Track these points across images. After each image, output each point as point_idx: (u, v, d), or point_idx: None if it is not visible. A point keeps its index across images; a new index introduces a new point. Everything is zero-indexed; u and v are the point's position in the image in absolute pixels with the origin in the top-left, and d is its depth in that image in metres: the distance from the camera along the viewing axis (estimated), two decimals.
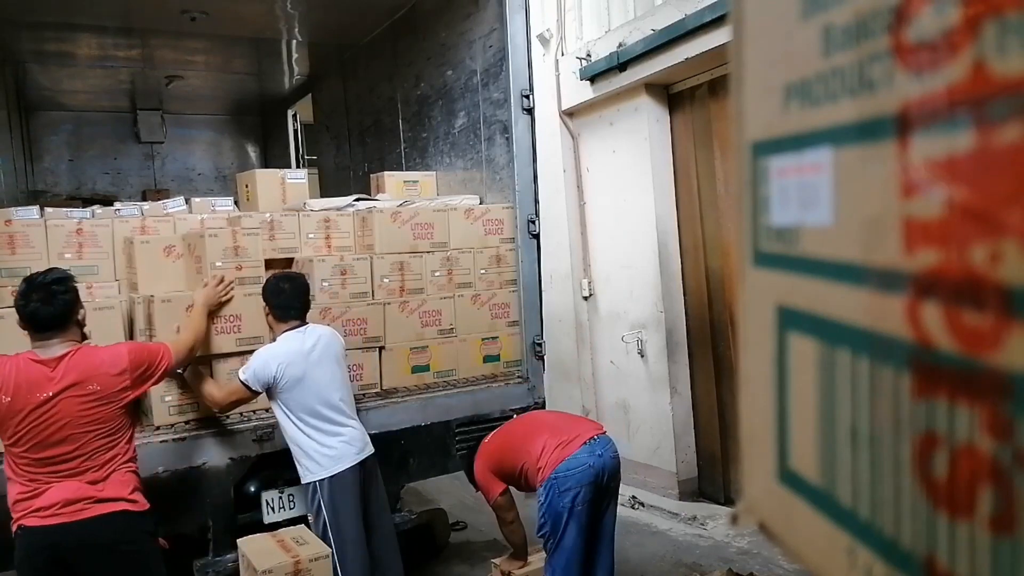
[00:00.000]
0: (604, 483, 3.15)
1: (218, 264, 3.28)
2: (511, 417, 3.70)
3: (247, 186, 4.44)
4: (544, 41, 5.66)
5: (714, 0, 4.19)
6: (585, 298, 5.72)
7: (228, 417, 3.33)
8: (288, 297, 3.20)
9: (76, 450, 2.48)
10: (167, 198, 4.32)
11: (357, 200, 4.24)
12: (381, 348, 3.78)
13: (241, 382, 3.07)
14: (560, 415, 3.73)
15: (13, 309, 2.56)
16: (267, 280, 3.30)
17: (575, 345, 5.72)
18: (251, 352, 3.20)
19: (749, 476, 0.60)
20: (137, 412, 2.77)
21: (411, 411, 3.71)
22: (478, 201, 4.29)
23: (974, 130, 0.36)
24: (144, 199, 6.68)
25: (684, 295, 5.20)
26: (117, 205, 3.89)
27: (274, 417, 3.20)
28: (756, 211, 0.56)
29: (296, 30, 5.70)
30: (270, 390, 3.10)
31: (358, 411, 3.45)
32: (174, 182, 8.07)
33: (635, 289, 5.29)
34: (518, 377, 4.08)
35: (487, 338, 4.07)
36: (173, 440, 3.18)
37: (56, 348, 2.51)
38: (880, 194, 0.42)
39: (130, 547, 2.56)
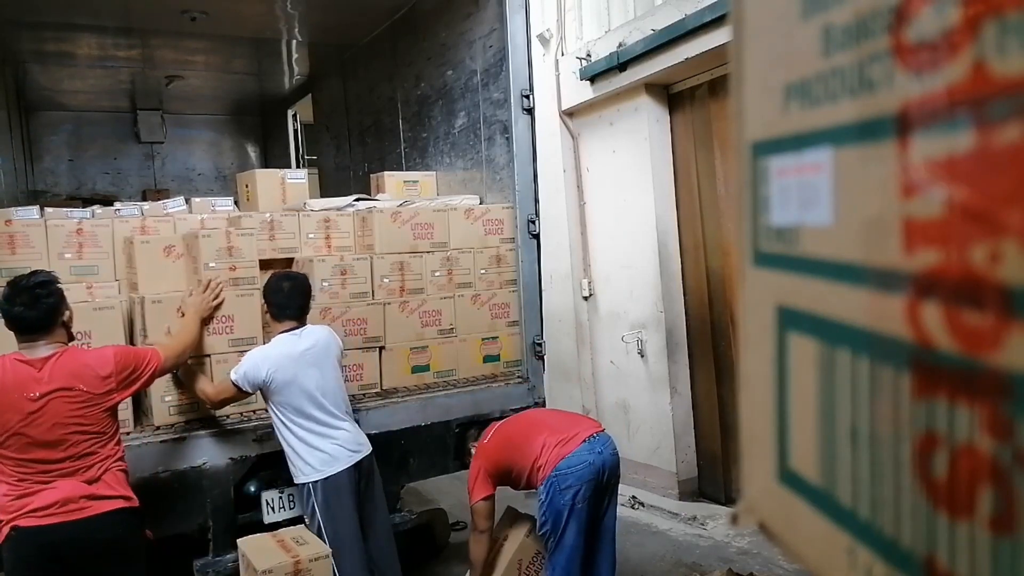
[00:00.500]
0: (604, 480, 3.15)
1: (212, 264, 3.26)
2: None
3: (247, 186, 4.43)
4: (544, 41, 5.66)
5: (714, 0, 4.19)
6: (585, 298, 5.72)
7: (228, 417, 3.33)
8: (286, 296, 3.18)
9: (66, 451, 2.49)
10: (167, 198, 4.31)
11: (357, 200, 4.24)
12: (381, 348, 3.78)
13: (232, 382, 3.06)
14: (558, 413, 3.73)
15: None
16: (269, 277, 3.29)
17: (575, 345, 5.71)
18: (244, 352, 3.19)
19: (749, 476, 0.60)
20: (136, 412, 2.76)
21: (411, 411, 3.71)
22: (478, 201, 4.29)
23: (974, 130, 0.36)
24: (144, 199, 6.68)
25: (684, 295, 5.20)
26: (117, 205, 3.88)
27: None
28: (756, 211, 0.56)
29: (296, 30, 5.69)
30: (262, 392, 3.10)
31: (358, 411, 3.44)
32: (174, 182, 8.07)
33: (635, 289, 5.29)
34: (518, 377, 4.08)
35: (487, 338, 4.07)
36: (173, 440, 3.18)
37: (42, 349, 2.51)
38: (880, 194, 0.42)
39: (128, 542, 2.60)
